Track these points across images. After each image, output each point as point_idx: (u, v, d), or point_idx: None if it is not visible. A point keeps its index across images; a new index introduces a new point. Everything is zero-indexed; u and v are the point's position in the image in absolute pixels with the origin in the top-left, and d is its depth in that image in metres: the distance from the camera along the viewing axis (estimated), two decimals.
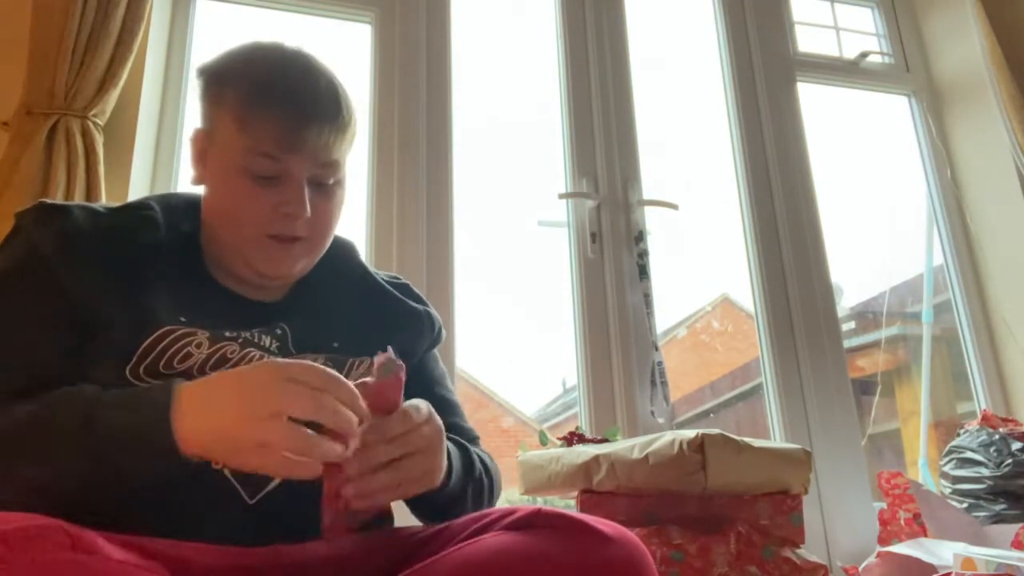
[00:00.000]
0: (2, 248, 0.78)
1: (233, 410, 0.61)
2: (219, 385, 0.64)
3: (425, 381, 0.97)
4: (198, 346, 0.76)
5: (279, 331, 0.82)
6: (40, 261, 0.75)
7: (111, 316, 0.74)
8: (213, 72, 0.82)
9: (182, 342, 0.75)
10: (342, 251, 0.95)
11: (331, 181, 0.83)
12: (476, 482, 0.86)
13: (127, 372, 0.72)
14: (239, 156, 0.78)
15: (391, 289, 0.95)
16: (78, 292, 0.75)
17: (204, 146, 0.83)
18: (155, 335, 0.74)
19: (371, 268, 0.97)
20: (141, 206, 0.84)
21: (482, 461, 0.89)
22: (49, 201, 0.78)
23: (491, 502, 0.89)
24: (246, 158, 0.78)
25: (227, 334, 0.78)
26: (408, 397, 0.91)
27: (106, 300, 0.75)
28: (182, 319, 0.77)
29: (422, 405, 0.73)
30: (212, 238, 0.85)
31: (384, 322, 0.91)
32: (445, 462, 0.76)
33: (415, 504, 0.84)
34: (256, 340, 0.80)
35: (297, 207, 0.79)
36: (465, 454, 0.85)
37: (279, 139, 0.77)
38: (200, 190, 0.88)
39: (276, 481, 0.74)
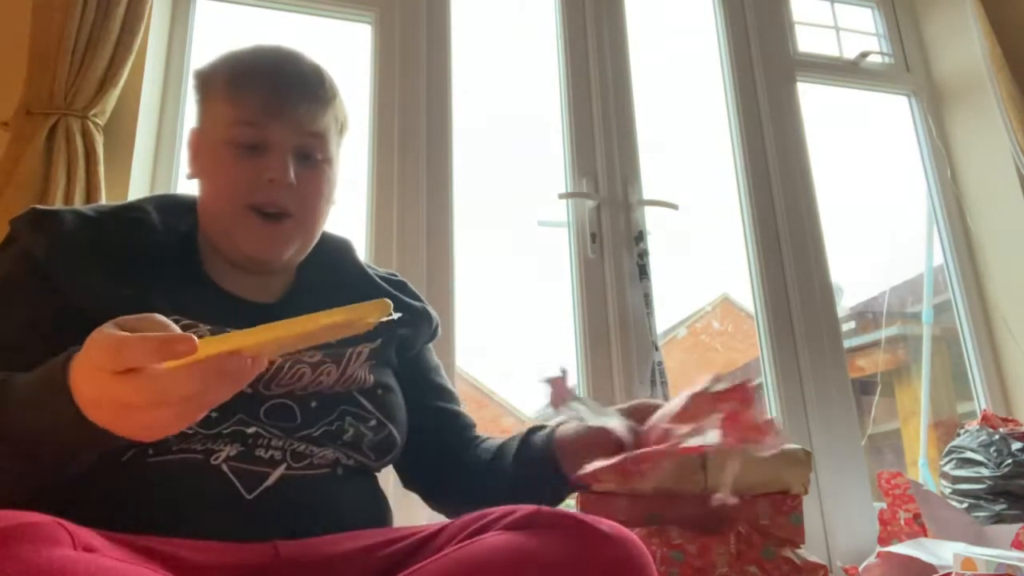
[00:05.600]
0: None
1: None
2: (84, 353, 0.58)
3: (424, 371, 0.99)
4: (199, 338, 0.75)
5: None
6: (34, 266, 0.76)
7: (109, 312, 0.74)
8: (204, 70, 0.86)
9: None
10: (338, 249, 0.96)
11: (318, 157, 0.84)
12: None
13: None
14: (226, 129, 0.81)
15: (388, 287, 0.95)
16: (73, 293, 0.75)
17: (198, 141, 0.86)
18: None
19: (368, 265, 0.98)
20: (133, 208, 0.85)
21: None
22: (40, 207, 0.80)
23: None
24: (231, 130, 0.81)
25: (228, 330, 0.78)
26: (408, 386, 0.92)
27: (102, 298, 0.75)
28: (182, 315, 0.77)
29: None
30: (207, 231, 0.86)
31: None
32: None
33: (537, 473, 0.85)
34: None
35: (280, 172, 0.80)
36: None
37: (262, 106, 0.80)
38: (196, 192, 0.89)
39: (274, 476, 0.74)
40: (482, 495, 0.84)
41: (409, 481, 0.98)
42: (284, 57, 0.84)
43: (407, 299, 0.96)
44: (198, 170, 0.86)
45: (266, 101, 0.80)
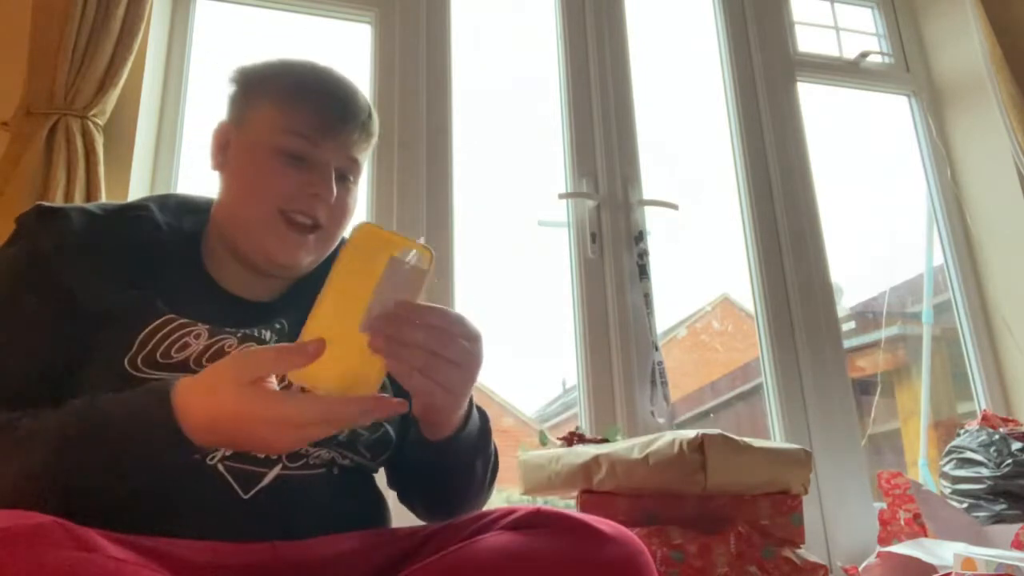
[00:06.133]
0: (3, 250, 0.80)
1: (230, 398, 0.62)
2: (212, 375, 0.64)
3: None
4: (196, 337, 0.76)
5: (278, 326, 0.83)
6: (41, 262, 0.76)
7: (112, 310, 0.75)
8: (253, 71, 0.87)
9: (181, 331, 0.76)
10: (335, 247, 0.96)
11: (351, 178, 0.88)
12: (486, 455, 0.86)
13: (126, 363, 0.72)
14: (275, 136, 0.82)
15: None
16: (79, 290, 0.76)
17: (228, 136, 0.86)
18: (156, 323, 0.75)
19: None
20: (137, 207, 0.85)
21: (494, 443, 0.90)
22: (46, 204, 0.80)
23: (490, 488, 0.89)
24: (282, 137, 0.82)
25: (227, 329, 0.79)
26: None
27: (107, 296, 0.76)
28: (179, 313, 0.78)
29: (471, 322, 0.70)
30: (223, 228, 0.86)
31: None
32: (467, 402, 0.76)
33: (422, 452, 0.80)
34: (256, 335, 0.81)
35: (325, 190, 0.83)
36: (485, 422, 0.86)
37: (320, 124, 0.82)
38: (198, 192, 0.90)
39: (270, 476, 0.74)
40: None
41: (395, 481, 0.94)
42: (341, 82, 0.87)
43: None
44: (225, 165, 0.86)
45: (325, 120, 0.83)
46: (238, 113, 0.86)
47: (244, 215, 0.83)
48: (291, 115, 0.82)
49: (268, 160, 0.82)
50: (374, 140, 0.90)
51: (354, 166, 0.87)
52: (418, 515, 0.92)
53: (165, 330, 0.75)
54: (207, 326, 0.77)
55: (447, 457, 0.80)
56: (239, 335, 0.79)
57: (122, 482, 0.65)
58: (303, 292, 0.89)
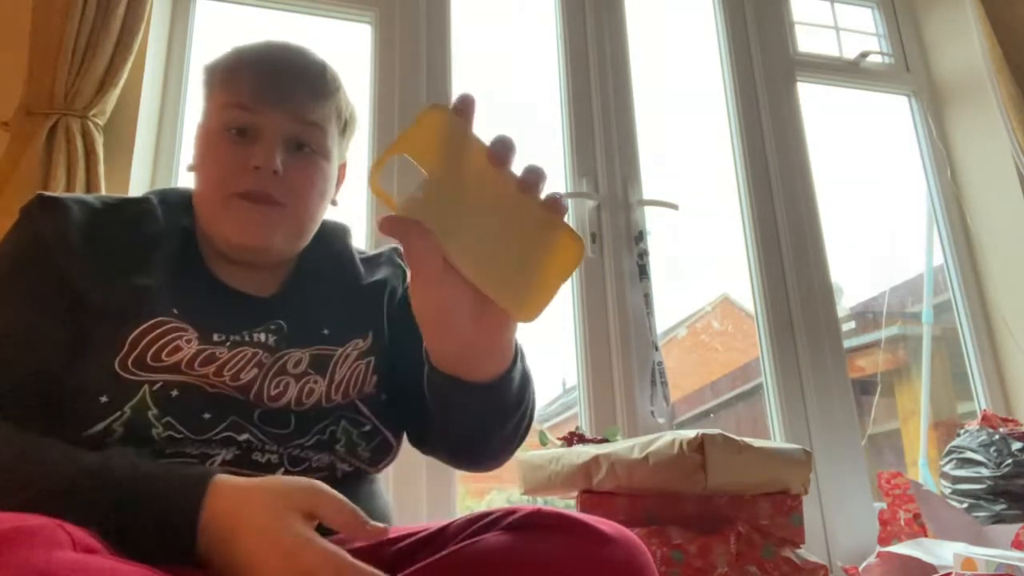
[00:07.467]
0: (6, 238, 0.80)
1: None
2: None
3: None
4: (188, 341, 0.75)
5: (273, 327, 0.82)
6: (43, 250, 0.76)
7: (106, 304, 0.75)
8: (209, 63, 0.85)
9: (171, 335, 0.75)
10: (334, 235, 0.94)
11: (312, 147, 0.82)
12: (526, 402, 0.80)
13: (116, 364, 0.72)
14: (219, 115, 0.80)
15: (382, 262, 0.94)
16: (79, 280, 0.76)
17: (198, 133, 0.85)
18: (146, 325, 0.74)
19: (360, 251, 0.96)
20: (138, 200, 0.85)
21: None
22: (47, 193, 0.80)
23: (524, 434, 0.84)
24: (223, 114, 0.80)
25: (216, 336, 0.78)
26: (401, 331, 0.87)
27: (102, 289, 0.75)
28: (175, 311, 0.77)
29: None
30: (200, 222, 0.85)
31: (373, 302, 0.90)
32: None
33: (466, 394, 0.71)
34: (250, 340, 0.80)
35: (265, 160, 0.78)
36: (526, 367, 0.79)
37: (256, 90, 0.79)
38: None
39: None
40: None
41: (417, 438, 0.90)
42: (287, 48, 0.84)
43: (401, 261, 0.94)
44: (195, 164, 0.86)
45: (261, 85, 0.79)
46: (203, 109, 0.85)
47: (205, 204, 0.82)
48: (230, 88, 0.80)
49: (214, 141, 0.80)
50: (335, 102, 0.84)
51: (312, 131, 0.81)
52: (443, 461, 0.87)
53: (154, 333, 0.74)
54: (197, 332, 0.76)
55: (490, 403, 0.72)
56: (228, 343, 0.78)
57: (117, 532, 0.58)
58: (300, 286, 0.88)
